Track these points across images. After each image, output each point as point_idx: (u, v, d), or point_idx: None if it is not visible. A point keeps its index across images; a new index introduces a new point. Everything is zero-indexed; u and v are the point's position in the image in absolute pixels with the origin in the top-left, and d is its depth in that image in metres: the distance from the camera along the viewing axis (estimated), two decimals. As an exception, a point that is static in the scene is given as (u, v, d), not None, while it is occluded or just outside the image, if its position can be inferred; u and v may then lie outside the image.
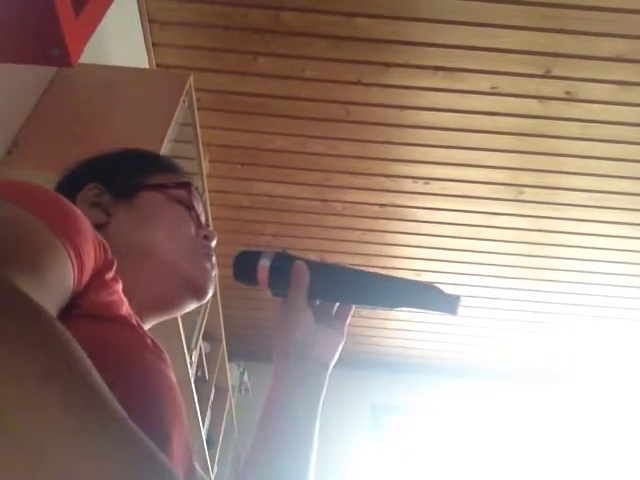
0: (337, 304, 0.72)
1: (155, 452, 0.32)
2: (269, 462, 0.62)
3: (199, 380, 2.49)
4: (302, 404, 0.66)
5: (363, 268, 0.70)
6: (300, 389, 0.66)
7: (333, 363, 0.70)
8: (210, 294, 0.76)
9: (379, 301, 0.69)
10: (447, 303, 0.64)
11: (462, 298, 0.65)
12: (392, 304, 0.68)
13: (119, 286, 0.57)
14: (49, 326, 0.35)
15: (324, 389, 0.68)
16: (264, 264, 0.69)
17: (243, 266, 0.71)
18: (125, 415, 0.33)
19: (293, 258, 0.70)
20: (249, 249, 0.73)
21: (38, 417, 0.29)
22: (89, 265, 0.50)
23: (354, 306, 0.73)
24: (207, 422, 2.71)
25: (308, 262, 0.69)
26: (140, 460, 0.31)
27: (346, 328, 0.72)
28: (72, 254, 0.47)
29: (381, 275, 0.69)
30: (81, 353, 0.35)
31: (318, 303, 0.72)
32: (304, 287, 0.68)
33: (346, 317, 0.72)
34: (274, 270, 0.69)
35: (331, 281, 0.70)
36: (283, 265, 0.69)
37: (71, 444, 0.29)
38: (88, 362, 0.35)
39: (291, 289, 0.68)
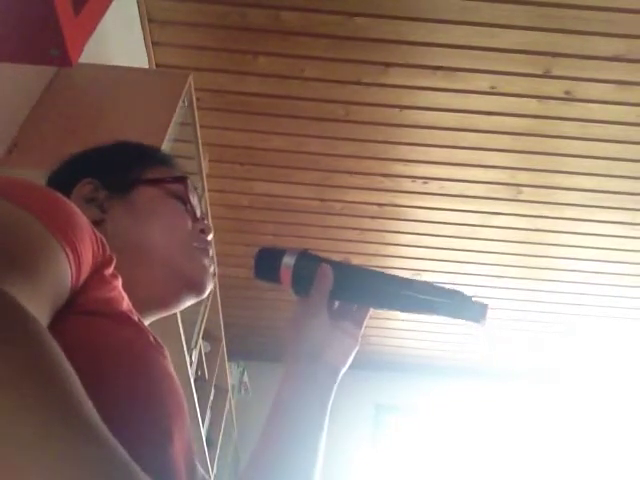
0: (356, 306, 0.71)
1: (132, 470, 0.31)
2: (274, 463, 0.61)
3: (199, 380, 2.49)
4: (310, 406, 0.65)
5: (379, 270, 0.69)
6: (308, 391, 0.65)
7: (344, 369, 0.69)
8: (209, 289, 0.75)
9: (402, 305, 0.67)
10: (473, 311, 0.62)
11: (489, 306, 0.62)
12: (416, 309, 0.66)
13: (119, 282, 0.57)
14: (31, 335, 0.34)
15: (333, 393, 0.67)
16: (288, 263, 0.68)
17: (265, 264, 0.70)
18: (101, 427, 0.32)
19: (316, 258, 0.69)
20: (270, 246, 0.71)
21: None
22: (87, 262, 0.50)
23: (371, 309, 0.71)
24: (207, 422, 2.70)
25: (332, 263, 0.68)
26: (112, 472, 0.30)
27: (361, 333, 0.70)
28: (69, 251, 0.47)
29: (406, 279, 0.67)
30: (63, 364, 0.34)
31: (337, 304, 0.70)
32: (327, 290, 0.66)
33: (362, 321, 0.70)
34: (298, 270, 0.68)
35: (354, 284, 0.68)
36: (307, 265, 0.68)
37: (35, 461, 0.28)
38: (70, 375, 0.34)
39: (313, 291, 0.67)
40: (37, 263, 0.44)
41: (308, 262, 0.68)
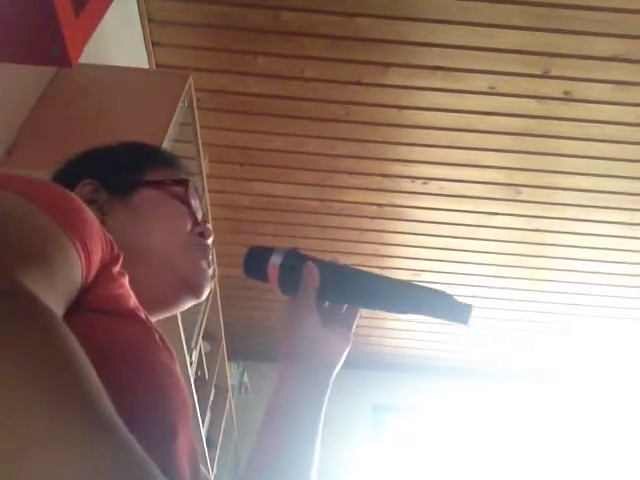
0: (345, 307, 0.71)
1: (148, 464, 0.31)
2: (274, 463, 0.61)
3: (199, 380, 2.49)
4: (305, 406, 0.65)
5: (367, 269, 0.69)
6: (306, 391, 0.65)
7: (337, 368, 0.69)
8: (207, 292, 0.75)
9: (388, 306, 0.67)
10: (458, 312, 0.63)
11: (473, 307, 0.63)
12: (402, 309, 0.66)
13: (126, 279, 0.57)
14: (49, 330, 0.34)
15: (327, 393, 0.67)
16: (275, 262, 0.68)
17: (254, 262, 0.70)
18: (118, 422, 0.32)
19: (305, 257, 0.69)
20: (261, 245, 0.71)
21: (19, 425, 0.28)
22: (96, 259, 0.50)
23: (361, 309, 0.71)
24: (207, 422, 2.71)
25: (319, 263, 0.68)
26: (130, 472, 0.30)
27: (352, 332, 0.70)
28: (79, 248, 0.47)
29: (392, 279, 0.68)
30: (80, 356, 0.34)
31: (327, 304, 0.71)
32: (313, 289, 0.67)
33: (353, 321, 0.71)
34: (285, 269, 0.68)
35: (341, 283, 0.69)
36: (294, 264, 0.68)
37: (52, 455, 0.28)
38: (87, 368, 0.34)
39: (300, 290, 0.67)
40: (50, 259, 0.44)
41: (295, 261, 0.68)
